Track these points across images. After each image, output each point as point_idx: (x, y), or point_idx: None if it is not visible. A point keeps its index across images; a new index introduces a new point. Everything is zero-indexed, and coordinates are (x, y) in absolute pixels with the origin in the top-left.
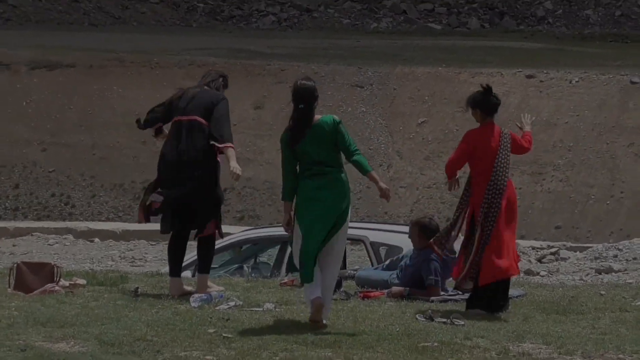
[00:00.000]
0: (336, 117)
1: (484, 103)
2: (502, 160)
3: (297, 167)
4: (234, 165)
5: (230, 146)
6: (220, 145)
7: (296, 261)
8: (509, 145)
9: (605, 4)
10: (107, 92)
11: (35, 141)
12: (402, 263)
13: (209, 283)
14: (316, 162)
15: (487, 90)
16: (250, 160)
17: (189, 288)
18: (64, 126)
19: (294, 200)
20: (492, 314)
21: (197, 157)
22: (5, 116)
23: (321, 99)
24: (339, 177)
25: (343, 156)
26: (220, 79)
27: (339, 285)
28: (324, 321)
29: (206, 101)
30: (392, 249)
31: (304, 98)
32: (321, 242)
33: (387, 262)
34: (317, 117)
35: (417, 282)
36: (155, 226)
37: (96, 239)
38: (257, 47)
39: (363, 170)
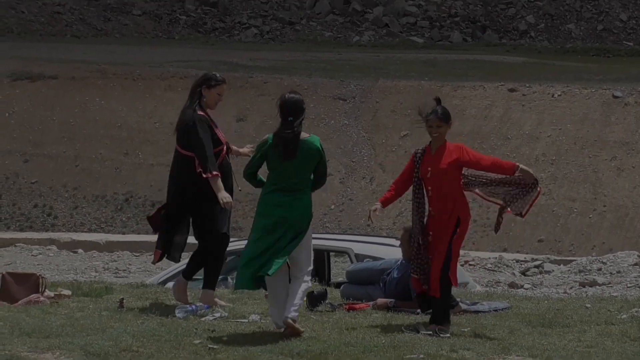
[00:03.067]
0: (321, 142)
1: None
2: None
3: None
4: None
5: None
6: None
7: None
8: None
9: (587, 19)
10: (89, 104)
11: (17, 152)
12: (386, 276)
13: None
14: (287, 179)
15: (439, 100)
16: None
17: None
18: (46, 137)
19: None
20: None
21: None
22: None
23: None
24: (301, 197)
25: None
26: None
27: (324, 297)
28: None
29: None
30: (374, 261)
31: (293, 111)
32: (267, 257)
33: (381, 262)
34: (304, 134)
35: (403, 293)
36: (138, 237)
37: (80, 250)
38: (240, 59)
39: None
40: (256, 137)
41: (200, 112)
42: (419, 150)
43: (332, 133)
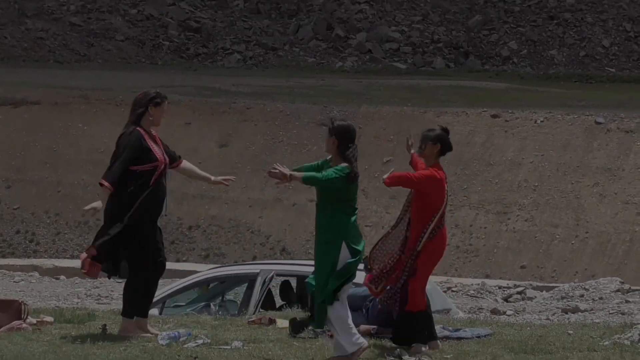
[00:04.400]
0: None
1: (447, 142)
2: (446, 203)
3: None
4: None
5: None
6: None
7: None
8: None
9: (570, 45)
10: (72, 129)
11: None
12: (368, 302)
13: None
14: (355, 202)
15: (447, 130)
16: (215, 198)
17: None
18: (29, 163)
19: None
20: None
21: None
22: None
23: (286, 137)
24: None
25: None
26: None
27: (307, 323)
28: None
29: None
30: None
31: (354, 137)
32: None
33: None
34: None
35: (385, 320)
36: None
37: (62, 276)
38: (222, 85)
39: None
40: (238, 162)
41: (138, 128)
42: None
43: (314, 159)
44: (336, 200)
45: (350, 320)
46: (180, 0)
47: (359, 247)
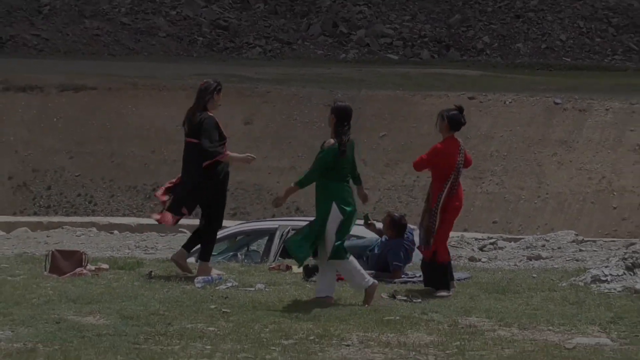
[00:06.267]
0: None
1: (454, 119)
2: (458, 169)
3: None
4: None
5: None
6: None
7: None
8: (464, 158)
9: (533, 39)
10: (123, 110)
11: (63, 150)
12: (369, 252)
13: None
14: (347, 173)
15: (460, 109)
16: (241, 167)
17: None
18: (88, 138)
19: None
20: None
21: None
22: (39, 130)
23: (299, 116)
24: None
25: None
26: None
27: (316, 270)
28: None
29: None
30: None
31: (350, 117)
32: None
33: (363, 240)
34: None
35: (382, 266)
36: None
37: (115, 231)
38: (247, 73)
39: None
40: (260, 137)
41: (210, 113)
42: None
43: (323, 134)
44: (327, 172)
45: (359, 266)
46: (211, 3)
47: (348, 208)
